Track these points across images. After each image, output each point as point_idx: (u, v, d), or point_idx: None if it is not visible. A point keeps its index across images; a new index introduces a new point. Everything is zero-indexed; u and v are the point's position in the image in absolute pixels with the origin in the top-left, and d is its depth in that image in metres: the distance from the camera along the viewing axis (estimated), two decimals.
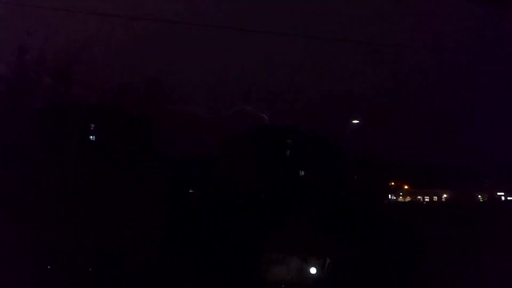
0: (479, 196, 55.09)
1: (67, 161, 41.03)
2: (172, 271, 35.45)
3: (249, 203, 42.35)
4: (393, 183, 55.68)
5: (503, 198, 54.68)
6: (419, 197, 57.23)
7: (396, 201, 55.62)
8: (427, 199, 57.24)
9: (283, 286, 35.61)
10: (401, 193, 56.54)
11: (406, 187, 57.14)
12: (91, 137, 43.49)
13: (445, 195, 56.65)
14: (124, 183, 40.45)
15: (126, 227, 38.28)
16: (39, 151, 40.29)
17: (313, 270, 35.74)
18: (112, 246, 36.99)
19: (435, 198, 56.85)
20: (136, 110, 43.67)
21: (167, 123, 44.57)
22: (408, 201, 56.63)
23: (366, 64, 48.10)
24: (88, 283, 34.76)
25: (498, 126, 48.58)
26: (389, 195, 55.11)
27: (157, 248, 37.09)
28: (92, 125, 43.60)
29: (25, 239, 35.50)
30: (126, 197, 40.17)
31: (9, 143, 39.28)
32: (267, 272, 35.82)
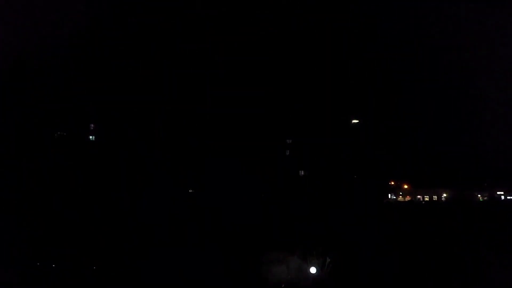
0: (479, 195, 55.06)
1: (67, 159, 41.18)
2: (171, 271, 35.49)
3: (249, 202, 42.41)
4: (393, 183, 55.66)
5: (502, 197, 54.64)
6: (419, 196, 57.18)
7: (396, 200, 55.61)
8: (427, 198, 57.17)
9: (283, 286, 35.60)
10: (401, 193, 56.49)
11: (406, 186, 57.08)
12: (90, 137, 43.57)
13: (445, 195, 56.57)
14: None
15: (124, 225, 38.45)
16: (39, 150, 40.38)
17: (313, 270, 35.72)
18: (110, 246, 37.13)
19: (435, 197, 56.80)
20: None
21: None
22: (408, 200, 56.57)
23: (366, 62, 48.05)
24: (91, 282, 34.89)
25: (498, 125, 48.49)
26: (389, 195, 55.13)
27: (156, 247, 37.18)
28: (92, 125, 43.69)
29: (23, 237, 35.66)
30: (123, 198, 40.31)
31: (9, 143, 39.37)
32: (267, 272, 35.80)
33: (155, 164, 43.11)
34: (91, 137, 43.61)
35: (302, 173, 48.40)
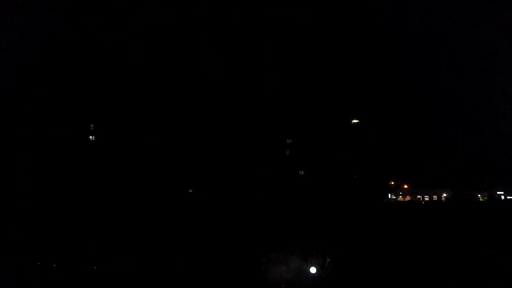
0: (479, 195, 55.16)
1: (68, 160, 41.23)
2: (171, 271, 35.49)
3: (249, 203, 42.43)
4: (392, 183, 55.73)
5: (502, 197, 54.72)
6: (418, 196, 57.26)
7: (396, 200, 55.67)
8: (427, 198, 57.25)
9: (283, 285, 35.59)
10: (400, 193, 56.56)
11: (405, 186, 57.14)
12: (90, 137, 43.60)
13: (445, 194, 56.63)
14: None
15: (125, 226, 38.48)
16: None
17: (313, 270, 35.71)
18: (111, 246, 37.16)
19: (435, 197, 56.87)
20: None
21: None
22: (408, 200, 56.65)
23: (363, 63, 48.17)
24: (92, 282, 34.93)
25: (498, 124, 48.55)
26: (389, 195, 55.18)
27: (156, 247, 37.18)
28: (92, 125, 43.72)
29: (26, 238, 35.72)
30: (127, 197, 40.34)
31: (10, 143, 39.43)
32: (267, 272, 35.80)
33: (155, 164, 43.15)
34: (91, 137, 43.63)
35: (302, 173, 48.42)
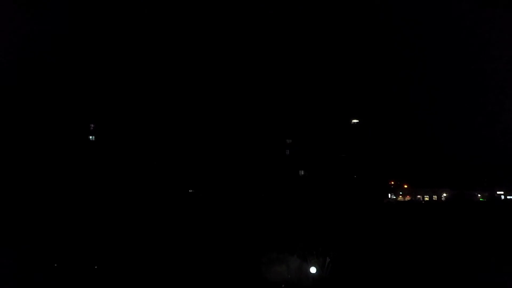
0: (479, 195, 55.21)
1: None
2: (171, 271, 35.50)
3: (249, 203, 42.46)
4: (392, 183, 55.81)
5: (502, 197, 54.77)
6: (418, 196, 57.32)
7: (396, 200, 55.75)
8: (426, 198, 57.31)
9: (283, 286, 35.55)
10: (400, 192, 56.61)
11: (405, 186, 57.20)
12: (90, 137, 43.63)
13: (445, 194, 56.68)
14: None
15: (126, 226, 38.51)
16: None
17: (313, 270, 35.64)
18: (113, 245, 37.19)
19: (435, 197, 56.93)
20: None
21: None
22: (408, 200, 56.71)
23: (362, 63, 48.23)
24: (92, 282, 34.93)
25: (498, 124, 48.61)
26: (389, 195, 55.25)
27: (157, 247, 37.19)
28: (92, 125, 43.75)
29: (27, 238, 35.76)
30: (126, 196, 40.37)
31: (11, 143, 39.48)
32: (267, 272, 35.75)
33: (155, 164, 43.18)
34: (91, 137, 43.67)
35: (302, 173, 48.45)
